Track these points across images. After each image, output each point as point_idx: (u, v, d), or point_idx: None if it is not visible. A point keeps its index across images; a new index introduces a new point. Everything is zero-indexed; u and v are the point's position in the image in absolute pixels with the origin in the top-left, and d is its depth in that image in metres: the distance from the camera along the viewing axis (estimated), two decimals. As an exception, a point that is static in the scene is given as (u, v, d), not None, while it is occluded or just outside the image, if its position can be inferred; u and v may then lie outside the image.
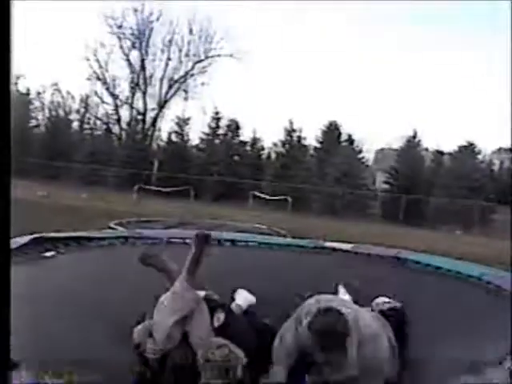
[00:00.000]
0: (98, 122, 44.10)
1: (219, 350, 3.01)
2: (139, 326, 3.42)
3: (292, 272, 5.00)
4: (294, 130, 37.66)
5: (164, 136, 42.06)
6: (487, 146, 45.97)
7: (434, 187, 33.43)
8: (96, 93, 43.24)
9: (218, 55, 42.89)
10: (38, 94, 43.14)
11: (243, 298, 4.24)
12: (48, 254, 4.94)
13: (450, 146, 44.75)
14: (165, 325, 3.31)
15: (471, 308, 4.08)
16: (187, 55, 43.44)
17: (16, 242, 4.77)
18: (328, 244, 6.38)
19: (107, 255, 5.37)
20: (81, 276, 4.42)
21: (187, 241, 6.18)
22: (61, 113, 43.41)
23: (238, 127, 39.14)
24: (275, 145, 39.01)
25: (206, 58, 43.40)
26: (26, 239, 4.91)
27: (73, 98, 43.48)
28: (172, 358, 3.19)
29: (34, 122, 43.17)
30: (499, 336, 3.18)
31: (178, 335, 3.30)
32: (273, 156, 39.46)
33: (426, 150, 38.05)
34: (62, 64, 64.72)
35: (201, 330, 3.35)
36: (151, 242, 5.99)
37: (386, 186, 36.47)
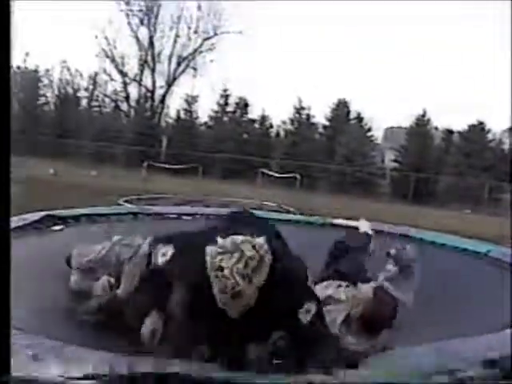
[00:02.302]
0: (107, 100, 44.03)
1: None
2: None
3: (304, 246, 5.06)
4: (302, 108, 37.48)
5: (173, 113, 41.96)
6: (497, 126, 45.55)
7: (443, 166, 33.33)
8: (105, 70, 43.10)
9: (228, 32, 42.56)
10: (47, 71, 42.98)
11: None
12: (57, 227, 5.01)
13: (460, 125, 44.49)
14: None
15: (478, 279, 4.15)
16: (196, 32, 43.16)
17: (28, 218, 4.84)
18: (336, 221, 6.41)
19: (113, 228, 5.39)
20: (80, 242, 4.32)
21: (197, 217, 6.28)
22: (69, 90, 43.30)
23: (246, 105, 38.99)
24: (284, 122, 38.87)
25: (215, 34, 43.10)
26: (37, 216, 4.96)
27: (81, 75, 43.30)
28: None
29: (43, 100, 43.10)
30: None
31: None
32: (282, 134, 39.32)
33: (436, 128, 37.79)
34: (71, 41, 64.52)
35: None
36: (160, 218, 6.05)
37: (395, 165, 36.33)
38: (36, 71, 42.18)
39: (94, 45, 43.75)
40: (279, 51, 67.97)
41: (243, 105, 38.91)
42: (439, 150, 35.89)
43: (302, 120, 37.42)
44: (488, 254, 4.89)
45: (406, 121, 37.59)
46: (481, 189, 30.36)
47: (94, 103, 43.89)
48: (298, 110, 37.44)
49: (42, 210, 5.19)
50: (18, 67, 40.12)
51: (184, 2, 42.85)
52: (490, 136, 34.81)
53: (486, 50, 63.54)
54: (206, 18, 42.90)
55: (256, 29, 57.23)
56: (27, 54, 40.27)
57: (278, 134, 39.89)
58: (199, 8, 42.78)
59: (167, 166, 27.84)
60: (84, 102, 43.90)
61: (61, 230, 4.96)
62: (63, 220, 5.15)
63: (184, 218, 6.24)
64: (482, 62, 62.86)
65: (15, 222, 4.61)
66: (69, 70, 43.09)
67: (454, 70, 64.43)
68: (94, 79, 43.41)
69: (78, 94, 43.59)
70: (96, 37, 42.12)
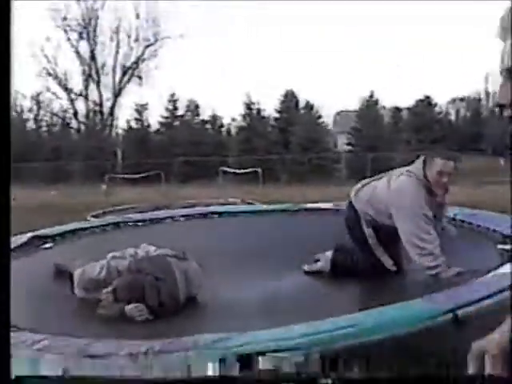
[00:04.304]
0: (55, 118, 43.41)
1: None
2: None
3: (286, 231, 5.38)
4: (252, 103, 37.79)
5: (124, 124, 41.72)
6: (441, 98, 46.82)
7: (395, 143, 34.08)
8: (48, 89, 42.52)
9: (168, 37, 42.52)
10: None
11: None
12: (47, 245, 5.16)
13: (407, 101, 45.53)
14: None
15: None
16: (137, 40, 43.04)
17: (15, 241, 4.97)
18: (309, 205, 6.72)
19: (100, 239, 5.58)
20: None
21: (175, 218, 6.50)
22: (13, 113, 42.47)
23: (197, 106, 39.11)
24: (233, 119, 39.19)
25: (156, 40, 43.04)
26: (24, 238, 5.11)
27: (24, 96, 42.56)
28: None
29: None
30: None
31: None
32: (233, 131, 39.58)
33: (384, 108, 38.61)
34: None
35: None
36: (141, 224, 6.23)
37: (349, 148, 36.94)
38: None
39: (32, 64, 42.81)
40: (220, 51, 68.09)
41: (194, 107, 39.00)
42: (390, 127, 36.73)
43: (252, 115, 37.72)
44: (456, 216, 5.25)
45: (354, 104, 38.37)
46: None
47: (42, 123, 43.24)
48: (248, 105, 37.71)
49: (16, 235, 5.30)
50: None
51: (121, 11, 42.45)
52: (436, 109, 35.90)
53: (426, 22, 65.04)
54: (145, 26, 42.82)
55: (196, 30, 57.29)
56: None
57: (228, 132, 40.14)
58: (137, 16, 42.64)
59: (128, 176, 27.73)
60: (30, 124, 43.22)
61: (51, 247, 5.13)
62: (51, 238, 5.31)
63: (166, 221, 6.43)
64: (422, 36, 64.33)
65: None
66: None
67: (396, 47, 65.74)
68: (37, 99, 42.77)
69: (24, 116, 42.88)
70: (34, 56, 41.50)
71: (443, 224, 4.36)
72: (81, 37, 42.24)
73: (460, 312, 2.46)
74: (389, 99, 59.91)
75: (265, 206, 7.21)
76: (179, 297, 3.63)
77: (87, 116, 42.83)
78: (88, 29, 42.12)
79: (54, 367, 2.15)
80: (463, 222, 5.11)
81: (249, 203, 14.57)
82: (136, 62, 43.27)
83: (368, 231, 4.20)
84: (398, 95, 72.77)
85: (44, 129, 43.36)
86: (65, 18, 41.66)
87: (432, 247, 3.73)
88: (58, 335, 2.61)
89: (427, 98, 34.79)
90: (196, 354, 2.19)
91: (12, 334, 2.14)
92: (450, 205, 4.65)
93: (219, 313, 3.57)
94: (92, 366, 2.18)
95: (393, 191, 4.00)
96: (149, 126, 39.97)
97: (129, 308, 3.50)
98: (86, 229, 5.85)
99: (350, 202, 4.35)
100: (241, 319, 3.14)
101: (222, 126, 40.06)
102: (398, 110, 38.08)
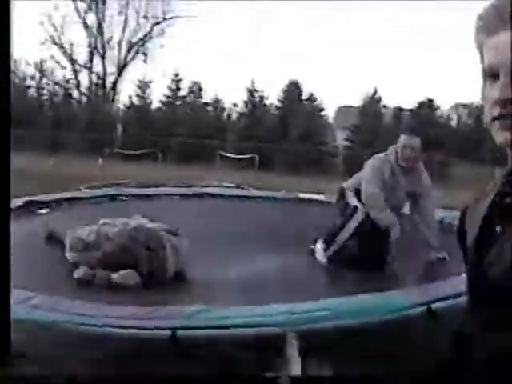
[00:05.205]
0: (57, 88, 43.17)
1: None
2: None
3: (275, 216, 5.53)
4: (256, 90, 37.73)
5: (125, 100, 41.56)
6: (444, 102, 46.73)
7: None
8: (53, 57, 42.24)
9: (178, 17, 42.28)
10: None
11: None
12: (43, 211, 5.27)
13: (409, 103, 45.48)
14: None
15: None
16: (145, 17, 42.74)
17: (13, 203, 5.08)
18: (301, 195, 6.84)
19: (95, 210, 5.69)
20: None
21: (169, 194, 6.62)
22: (16, 80, 42.17)
23: (200, 89, 39.02)
24: (235, 105, 39.10)
25: (165, 19, 42.77)
26: (20, 201, 5.22)
27: (27, 63, 42.25)
28: None
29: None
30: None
31: None
32: (234, 116, 39.54)
33: (385, 107, 38.59)
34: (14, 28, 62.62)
35: None
36: (136, 198, 6.35)
37: (347, 143, 36.97)
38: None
39: (39, 32, 42.51)
40: (229, 34, 67.81)
41: (197, 89, 38.90)
42: (390, 127, 36.72)
43: (255, 102, 37.66)
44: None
45: (356, 100, 38.36)
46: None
47: (44, 92, 42.99)
48: (252, 91, 37.65)
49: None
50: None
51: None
52: (438, 113, 35.96)
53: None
54: (155, 3, 42.53)
55: (205, 12, 57.02)
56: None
57: (229, 117, 40.07)
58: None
59: (126, 152, 27.69)
60: (32, 91, 42.94)
61: (47, 213, 5.23)
62: (46, 204, 5.41)
63: (156, 198, 6.54)
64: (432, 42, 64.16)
65: None
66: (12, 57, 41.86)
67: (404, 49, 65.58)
68: (40, 67, 42.48)
69: (26, 83, 42.59)
70: (42, 23, 41.27)
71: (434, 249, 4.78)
72: (89, 9, 41.96)
73: (434, 306, 2.57)
74: (391, 99, 59.87)
75: (260, 192, 7.31)
76: (168, 269, 3.75)
77: (89, 88, 42.64)
78: (97, 1, 41.83)
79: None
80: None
81: (242, 189, 14.67)
82: (142, 39, 43.06)
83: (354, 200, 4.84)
84: (400, 96, 72.44)
85: (45, 97, 43.06)
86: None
87: (378, 203, 4.62)
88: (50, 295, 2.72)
89: (430, 100, 34.81)
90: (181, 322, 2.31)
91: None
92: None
93: (201, 286, 3.69)
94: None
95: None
96: (151, 103, 39.87)
97: (119, 274, 3.60)
98: (81, 198, 5.96)
99: (341, 188, 5.04)
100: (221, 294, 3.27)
101: (223, 110, 39.97)
102: (399, 110, 38.06)
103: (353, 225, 4.59)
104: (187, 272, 3.93)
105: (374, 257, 4.51)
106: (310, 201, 6.52)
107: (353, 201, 4.79)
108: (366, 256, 4.50)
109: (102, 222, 4.22)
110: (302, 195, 6.76)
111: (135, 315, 2.37)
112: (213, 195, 6.54)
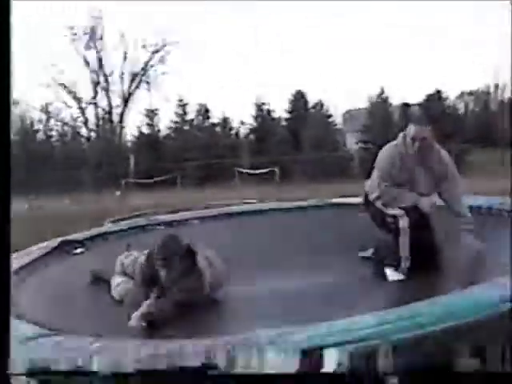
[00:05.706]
0: (65, 128, 43.54)
1: None
2: None
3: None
4: (263, 104, 37.76)
5: (133, 130, 41.84)
6: (449, 92, 46.46)
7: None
8: (58, 98, 42.63)
9: (176, 42, 42.56)
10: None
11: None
12: (78, 250, 5.11)
13: (417, 97, 45.28)
14: None
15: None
16: (144, 46, 43.18)
17: (47, 246, 4.95)
18: (336, 200, 6.65)
19: (132, 241, 5.51)
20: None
21: (200, 219, 6.43)
22: (26, 126, 42.54)
23: (207, 110, 39.15)
24: (242, 123, 39.23)
25: (164, 46, 43.10)
26: (55, 242, 5.07)
27: (34, 107, 42.64)
28: None
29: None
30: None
31: None
32: (241, 133, 39.72)
33: (390, 105, 38.45)
34: (17, 74, 63.45)
35: None
36: (166, 225, 6.17)
37: (359, 146, 36.83)
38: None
39: (41, 75, 43.00)
40: (226, 55, 68.12)
41: (204, 111, 39.03)
42: (401, 124, 36.49)
43: (263, 115, 37.68)
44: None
45: (363, 101, 38.28)
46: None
47: (53, 133, 43.39)
48: (259, 106, 37.69)
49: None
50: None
51: (127, 18, 42.54)
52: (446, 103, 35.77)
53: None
54: (153, 32, 42.84)
55: (202, 36, 57.41)
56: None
57: (236, 135, 40.18)
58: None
59: (143, 181, 27.67)
60: (41, 134, 43.33)
61: (82, 252, 5.07)
62: (80, 243, 5.25)
63: (190, 222, 6.37)
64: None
65: (36, 252, 4.72)
66: (18, 103, 42.36)
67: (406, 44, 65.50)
68: (46, 109, 42.85)
69: (35, 128, 43.00)
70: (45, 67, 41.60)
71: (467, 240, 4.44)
72: (88, 45, 42.38)
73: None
74: (397, 96, 59.67)
75: (294, 204, 7.08)
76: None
77: (97, 124, 42.93)
78: (94, 37, 42.25)
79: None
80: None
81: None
82: (144, 68, 43.40)
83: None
84: (405, 91, 72.19)
85: (54, 139, 43.45)
86: (71, 28, 41.75)
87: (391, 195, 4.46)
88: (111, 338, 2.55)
89: (438, 92, 34.60)
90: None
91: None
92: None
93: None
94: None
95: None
96: (159, 130, 40.08)
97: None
98: (113, 233, 5.79)
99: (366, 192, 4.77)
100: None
101: (231, 128, 40.07)
102: (407, 105, 37.86)
103: (405, 238, 4.31)
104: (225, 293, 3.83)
105: (428, 247, 4.40)
106: (344, 205, 6.30)
107: (387, 209, 4.53)
108: (424, 249, 4.31)
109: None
110: (336, 200, 6.54)
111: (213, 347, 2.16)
112: (248, 212, 6.35)
